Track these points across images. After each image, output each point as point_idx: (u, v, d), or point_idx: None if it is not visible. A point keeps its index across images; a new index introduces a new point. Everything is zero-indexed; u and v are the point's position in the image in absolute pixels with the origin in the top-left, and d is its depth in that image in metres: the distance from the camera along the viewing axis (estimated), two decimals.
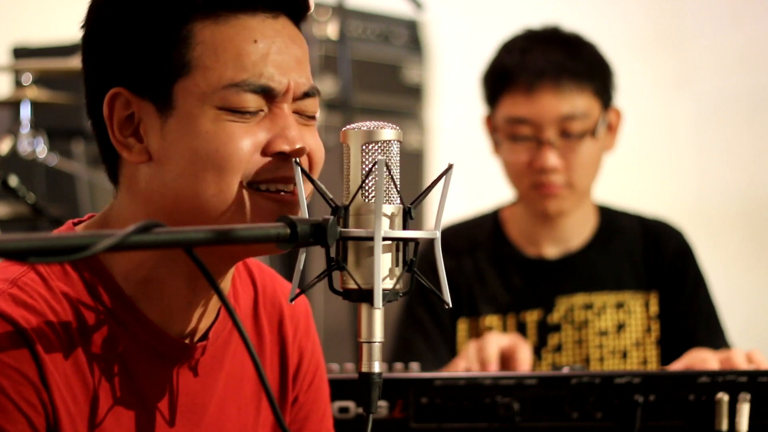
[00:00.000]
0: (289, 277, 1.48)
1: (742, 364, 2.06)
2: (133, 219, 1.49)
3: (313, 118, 1.54)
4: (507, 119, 2.60)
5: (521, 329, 2.64)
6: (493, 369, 2.23)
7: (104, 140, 1.52)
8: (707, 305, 2.67)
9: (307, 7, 1.55)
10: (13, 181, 3.29)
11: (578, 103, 2.57)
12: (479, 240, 2.73)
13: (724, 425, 1.94)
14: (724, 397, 1.94)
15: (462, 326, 2.67)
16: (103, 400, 1.48)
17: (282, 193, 1.49)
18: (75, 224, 1.57)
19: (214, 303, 1.57)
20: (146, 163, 1.49)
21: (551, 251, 2.69)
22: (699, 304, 2.66)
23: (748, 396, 1.93)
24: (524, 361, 2.25)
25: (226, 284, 1.58)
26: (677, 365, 2.13)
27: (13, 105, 3.52)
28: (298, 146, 1.47)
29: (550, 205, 2.60)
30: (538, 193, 2.59)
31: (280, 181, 1.48)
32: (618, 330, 2.64)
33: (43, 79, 3.54)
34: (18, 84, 3.48)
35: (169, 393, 1.54)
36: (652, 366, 2.65)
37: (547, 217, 2.64)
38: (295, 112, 1.51)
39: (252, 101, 1.46)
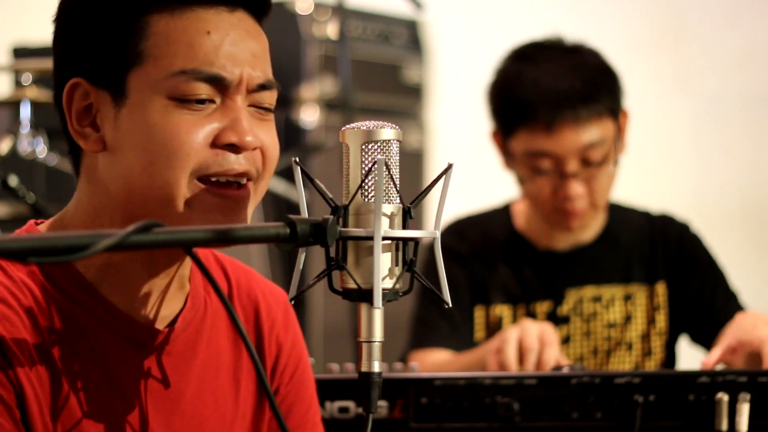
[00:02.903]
0: (289, 277, 1.48)
1: None
2: (90, 209, 1.52)
3: (269, 111, 1.53)
4: (526, 153, 2.59)
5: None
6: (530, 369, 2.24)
7: (67, 131, 1.54)
8: (721, 280, 2.70)
9: (266, 4, 1.55)
10: (13, 181, 3.28)
11: (596, 130, 2.56)
12: (490, 232, 2.75)
13: (724, 425, 1.94)
14: (724, 397, 1.94)
15: (479, 313, 2.69)
16: (72, 386, 1.48)
17: (232, 186, 1.49)
18: (37, 224, 1.58)
19: (178, 289, 1.57)
20: (102, 153, 1.50)
21: (561, 244, 2.71)
22: (714, 280, 2.69)
23: (747, 396, 1.93)
24: (547, 363, 2.25)
25: (185, 270, 1.57)
26: (727, 340, 2.14)
27: (13, 105, 3.52)
28: (247, 138, 1.47)
29: (574, 224, 2.62)
30: (563, 217, 2.61)
31: (230, 174, 1.48)
32: (626, 322, 2.67)
33: (43, 79, 3.53)
34: (18, 84, 3.47)
35: (142, 379, 1.54)
36: (656, 356, 2.66)
37: (569, 232, 2.66)
38: (251, 105, 1.51)
39: (202, 89, 1.47)
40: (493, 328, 2.68)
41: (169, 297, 1.57)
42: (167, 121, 1.46)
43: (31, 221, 1.59)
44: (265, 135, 1.51)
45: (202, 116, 1.47)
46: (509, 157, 2.66)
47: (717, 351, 2.15)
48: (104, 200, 1.51)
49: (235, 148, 1.47)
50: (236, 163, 1.48)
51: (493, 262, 2.71)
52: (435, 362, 2.59)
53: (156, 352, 1.55)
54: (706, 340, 2.63)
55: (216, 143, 1.47)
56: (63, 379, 1.48)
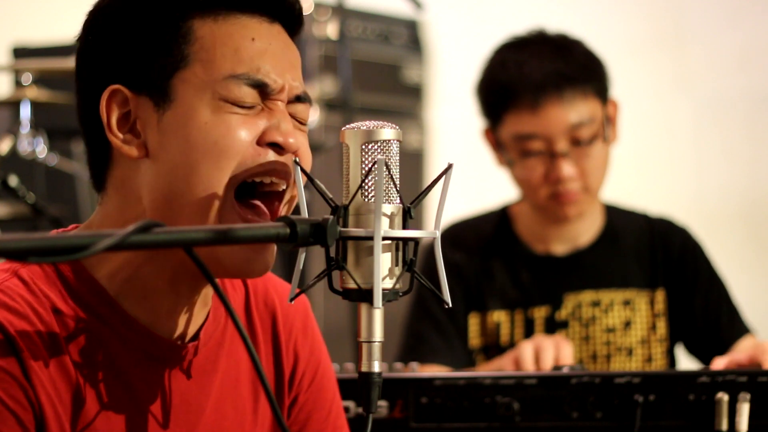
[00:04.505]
0: (289, 277, 1.47)
1: None
2: (121, 222, 1.50)
3: (304, 124, 1.56)
4: (515, 136, 2.59)
5: (529, 325, 2.66)
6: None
7: (94, 142, 1.53)
8: (725, 294, 2.69)
9: (301, 22, 1.59)
10: (13, 181, 3.29)
11: (583, 109, 2.56)
12: (487, 236, 2.73)
13: (724, 425, 1.94)
14: (724, 397, 1.94)
15: (473, 320, 2.68)
16: (92, 402, 1.48)
17: (272, 188, 1.50)
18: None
19: (202, 304, 1.58)
20: (141, 160, 1.50)
21: (559, 248, 2.70)
22: (718, 294, 2.68)
23: (747, 396, 1.93)
24: (565, 362, 2.26)
25: (209, 289, 1.58)
26: (739, 356, 2.14)
27: (13, 105, 3.52)
28: (290, 140, 1.50)
29: (570, 210, 2.61)
30: (557, 202, 2.60)
31: (272, 174, 1.50)
32: (625, 327, 2.66)
33: (43, 79, 3.54)
34: (18, 84, 3.47)
35: (163, 395, 1.53)
36: (657, 363, 2.66)
37: (566, 221, 2.65)
38: (289, 114, 1.53)
39: (249, 95, 1.49)
40: (491, 334, 2.67)
41: (193, 313, 1.57)
42: (219, 120, 1.48)
43: (54, 232, 1.59)
44: (302, 142, 1.53)
45: (247, 117, 1.49)
46: (501, 151, 2.66)
47: (724, 360, 2.14)
48: (138, 211, 1.50)
49: (277, 148, 1.50)
50: (277, 163, 1.50)
51: (489, 267, 2.70)
52: None
53: (178, 367, 1.55)
54: (706, 354, 2.63)
55: (260, 142, 1.49)
56: (84, 394, 1.47)
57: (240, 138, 1.47)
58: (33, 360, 1.43)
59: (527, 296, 2.67)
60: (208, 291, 1.58)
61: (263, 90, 1.50)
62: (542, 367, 2.24)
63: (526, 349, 2.27)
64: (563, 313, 2.66)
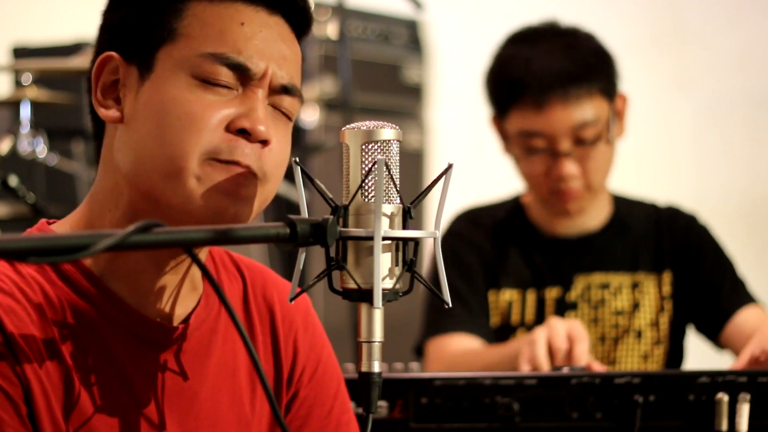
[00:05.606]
0: (289, 277, 1.47)
1: None
2: (102, 197, 1.53)
3: (289, 118, 1.54)
4: (519, 133, 2.62)
5: (540, 305, 2.68)
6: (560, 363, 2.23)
7: (94, 114, 1.56)
8: (730, 268, 2.71)
9: (306, 18, 1.57)
10: (13, 181, 3.28)
11: (588, 109, 2.58)
12: (502, 219, 2.77)
13: (724, 425, 1.94)
14: (723, 397, 1.94)
15: (491, 298, 2.70)
16: (81, 381, 1.47)
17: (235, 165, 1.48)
18: (49, 223, 1.60)
19: (191, 287, 1.57)
20: (117, 126, 1.52)
21: (569, 231, 2.73)
22: (722, 268, 2.70)
23: (747, 396, 1.93)
24: (579, 359, 2.24)
25: (197, 271, 1.57)
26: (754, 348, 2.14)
27: (13, 105, 3.52)
28: (259, 127, 1.48)
29: (571, 206, 2.64)
30: (557, 198, 2.63)
31: (234, 164, 1.48)
32: (633, 309, 2.68)
33: (43, 79, 3.54)
34: (18, 84, 3.47)
35: (153, 377, 1.53)
36: (665, 345, 2.68)
37: (567, 216, 2.68)
38: (272, 105, 1.52)
39: (225, 75, 1.48)
40: (502, 313, 2.69)
41: (182, 296, 1.56)
42: (187, 98, 1.47)
43: (43, 220, 1.60)
44: (276, 133, 1.51)
45: (221, 100, 1.48)
46: (506, 141, 2.68)
47: (742, 361, 2.13)
48: (114, 180, 1.52)
49: (246, 135, 1.48)
50: (243, 154, 1.48)
51: (504, 248, 2.73)
52: (461, 349, 2.59)
53: (169, 350, 1.55)
54: (712, 329, 2.65)
55: (229, 128, 1.48)
56: (73, 375, 1.47)
57: (206, 119, 1.46)
58: (19, 337, 1.43)
59: (540, 277, 2.70)
60: (195, 273, 1.57)
61: (244, 74, 1.49)
62: (555, 364, 2.24)
63: (540, 345, 2.24)
64: (573, 295, 2.68)
